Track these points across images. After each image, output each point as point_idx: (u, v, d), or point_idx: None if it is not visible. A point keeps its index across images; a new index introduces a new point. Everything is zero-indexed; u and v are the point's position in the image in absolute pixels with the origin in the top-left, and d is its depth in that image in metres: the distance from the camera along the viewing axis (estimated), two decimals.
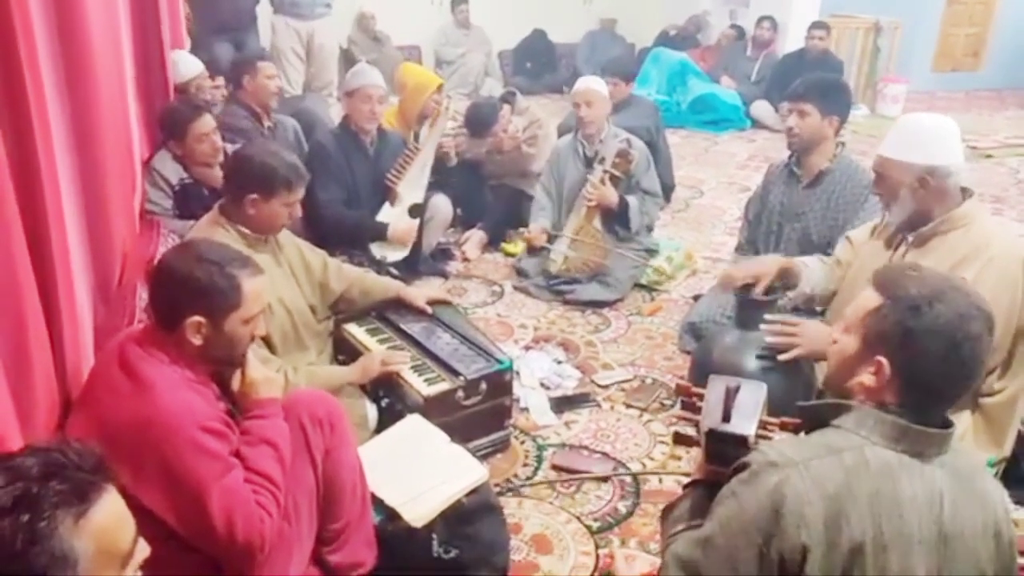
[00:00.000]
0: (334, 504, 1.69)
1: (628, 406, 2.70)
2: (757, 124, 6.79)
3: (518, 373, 2.73)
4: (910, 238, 2.11)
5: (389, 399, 2.31)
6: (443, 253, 3.89)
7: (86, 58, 2.01)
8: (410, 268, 3.55)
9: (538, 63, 8.19)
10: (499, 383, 2.34)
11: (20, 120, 1.48)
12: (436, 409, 2.19)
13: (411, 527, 1.75)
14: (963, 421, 2.01)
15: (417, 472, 1.87)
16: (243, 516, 1.43)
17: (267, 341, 2.18)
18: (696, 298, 3.35)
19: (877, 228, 2.30)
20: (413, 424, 2.08)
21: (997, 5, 8.75)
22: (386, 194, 3.44)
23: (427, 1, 7.81)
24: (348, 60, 6.84)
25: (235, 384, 1.63)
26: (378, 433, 2.16)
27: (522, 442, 2.49)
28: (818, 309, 2.51)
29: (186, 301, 1.50)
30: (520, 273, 3.68)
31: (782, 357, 2.18)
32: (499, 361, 2.35)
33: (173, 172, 3.01)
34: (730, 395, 1.40)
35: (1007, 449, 2.05)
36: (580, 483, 2.30)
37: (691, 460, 2.35)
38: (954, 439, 1.20)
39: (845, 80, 5.01)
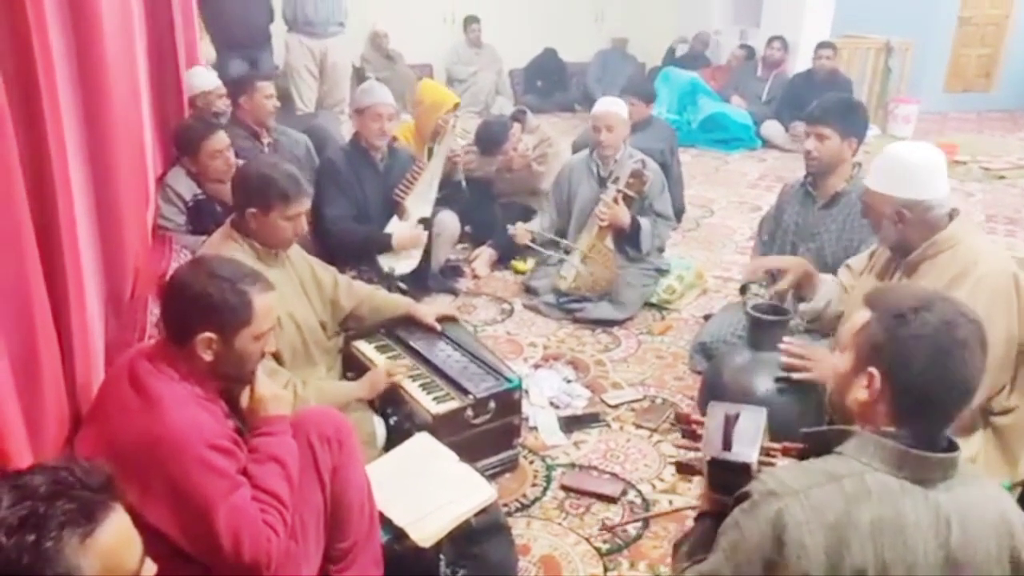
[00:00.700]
0: (342, 523, 1.68)
1: (638, 426, 2.68)
2: (768, 143, 6.79)
3: (527, 392, 2.72)
4: (901, 267, 2.10)
5: (397, 417, 2.30)
6: (453, 270, 3.90)
7: (101, 75, 2.03)
8: (419, 284, 3.56)
9: (549, 82, 8.23)
10: (508, 402, 2.33)
11: (35, 136, 1.50)
12: (445, 427, 2.18)
13: (419, 547, 1.74)
14: (974, 443, 1.99)
15: (425, 491, 1.86)
16: (250, 534, 1.42)
17: (276, 357, 2.17)
18: (707, 317, 3.34)
19: (874, 253, 2.29)
20: (421, 442, 2.07)
21: (1009, 26, 8.74)
22: (394, 208, 3.46)
23: (439, 20, 7.88)
24: (361, 78, 6.88)
25: (244, 401, 1.63)
26: (386, 451, 2.15)
27: (531, 462, 2.48)
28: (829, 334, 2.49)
29: (197, 317, 1.50)
30: (530, 291, 3.68)
31: (796, 377, 2.18)
32: (508, 380, 2.34)
33: (187, 188, 3.03)
34: (730, 422, 1.39)
35: (1022, 472, 2.02)
36: (589, 504, 2.28)
37: (700, 483, 2.33)
38: (963, 463, 1.18)
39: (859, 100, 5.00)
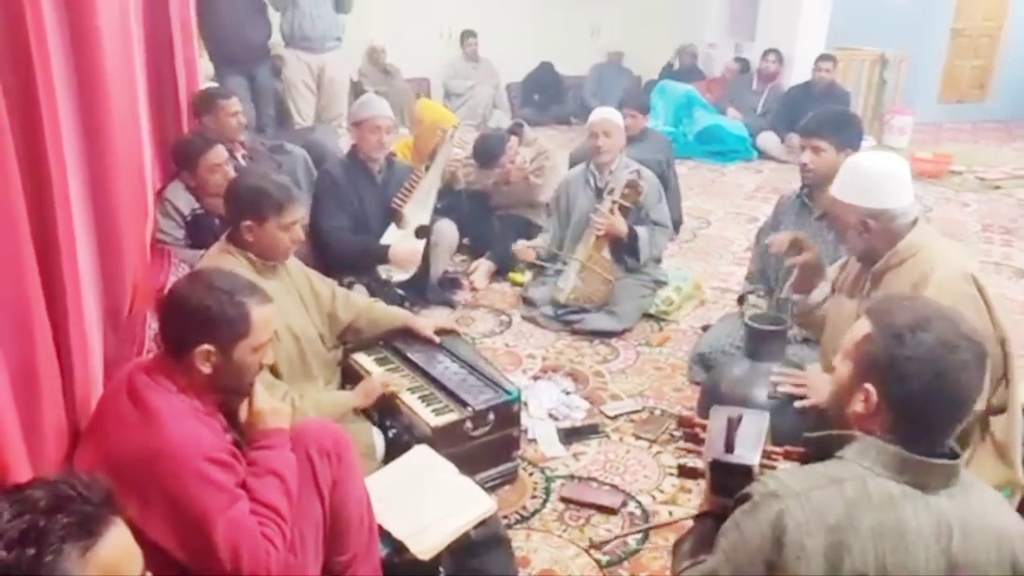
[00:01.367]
0: (341, 536, 1.67)
1: (637, 437, 2.68)
2: (763, 155, 6.82)
3: (526, 404, 2.72)
4: (868, 281, 2.09)
5: (396, 429, 2.30)
6: (451, 282, 3.90)
7: (101, 91, 2.04)
8: (418, 295, 3.57)
9: (545, 95, 8.27)
10: (507, 414, 2.33)
11: (35, 151, 1.50)
12: (444, 440, 2.17)
13: (418, 560, 1.73)
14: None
15: (424, 504, 1.86)
16: (249, 548, 1.42)
17: (273, 369, 2.17)
18: (705, 328, 3.35)
19: (845, 266, 2.27)
20: (421, 455, 2.07)
21: (1002, 37, 8.82)
22: (392, 216, 3.48)
23: (436, 34, 7.92)
24: (358, 92, 6.90)
25: (243, 414, 1.63)
26: (385, 464, 2.15)
27: (530, 474, 2.47)
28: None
29: (196, 329, 1.51)
30: (528, 303, 3.68)
31: (797, 405, 2.14)
32: (507, 391, 2.34)
33: (185, 202, 3.04)
34: (732, 425, 1.40)
35: (1018, 470, 1.99)
36: (589, 516, 2.28)
37: (700, 492, 2.32)
38: (965, 471, 1.19)
39: (854, 111, 5.03)
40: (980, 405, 1.88)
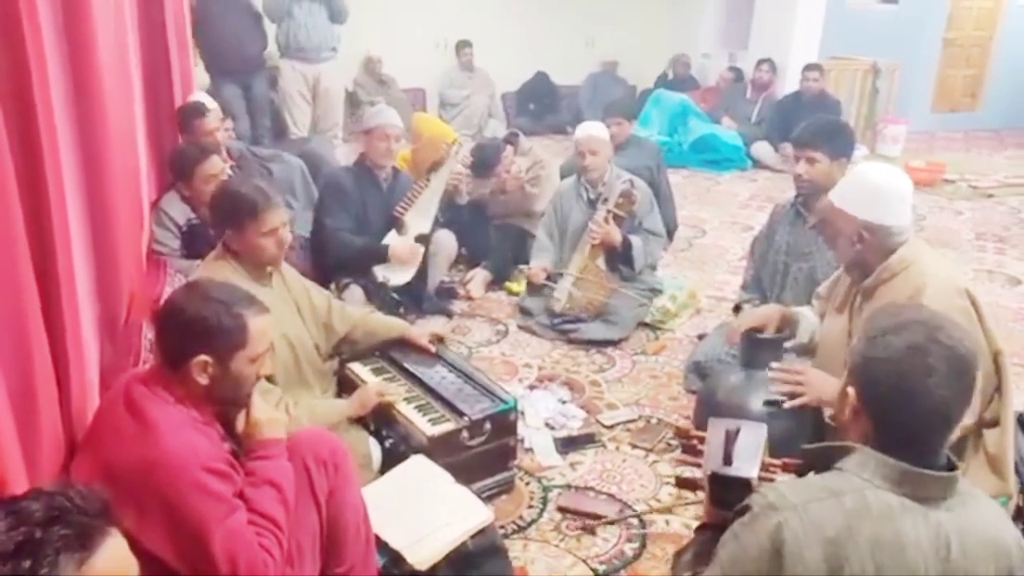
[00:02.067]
0: (338, 546, 1.67)
1: (634, 446, 2.68)
2: (758, 164, 6.85)
3: (522, 413, 2.72)
4: (859, 297, 2.09)
5: (393, 439, 2.29)
6: (447, 292, 3.91)
7: (97, 101, 2.05)
8: (415, 305, 3.57)
9: (541, 105, 8.30)
10: (503, 423, 2.33)
11: (31, 162, 1.50)
12: (440, 449, 2.17)
13: (415, 570, 1.73)
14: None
15: (421, 514, 1.85)
16: (246, 558, 1.41)
17: (268, 377, 2.17)
18: (701, 337, 3.35)
19: (837, 282, 2.27)
20: (417, 465, 2.06)
21: (993, 47, 8.88)
22: (394, 223, 3.50)
23: (432, 45, 7.95)
24: (354, 103, 6.94)
25: (240, 424, 1.63)
26: (382, 474, 2.14)
27: (527, 483, 2.47)
28: None
29: (192, 340, 1.51)
30: (524, 312, 3.68)
31: (787, 404, 2.13)
32: (503, 401, 2.34)
33: (181, 213, 3.04)
34: (731, 438, 1.40)
35: (1010, 482, 2.00)
36: (586, 525, 2.27)
37: (695, 500, 2.32)
38: (963, 483, 1.18)
39: (845, 120, 5.06)
40: (971, 419, 1.88)
